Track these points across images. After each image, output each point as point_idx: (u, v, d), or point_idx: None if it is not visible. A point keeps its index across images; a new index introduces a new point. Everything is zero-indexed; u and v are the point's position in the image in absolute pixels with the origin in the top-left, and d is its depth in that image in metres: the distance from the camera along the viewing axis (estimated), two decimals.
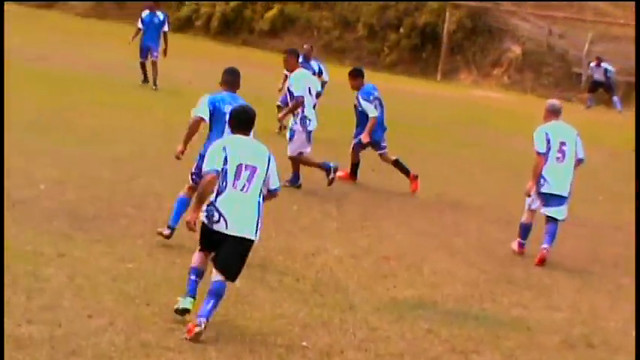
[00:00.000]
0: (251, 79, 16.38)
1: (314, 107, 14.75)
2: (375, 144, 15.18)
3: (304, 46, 20.68)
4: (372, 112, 14.94)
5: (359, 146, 15.19)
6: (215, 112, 10.51)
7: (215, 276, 7.85)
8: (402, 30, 38.03)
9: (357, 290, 9.44)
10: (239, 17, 41.20)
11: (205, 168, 7.93)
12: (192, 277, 8.06)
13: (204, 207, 7.85)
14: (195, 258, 8.15)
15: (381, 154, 15.30)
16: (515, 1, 38.62)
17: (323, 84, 18.58)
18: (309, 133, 14.32)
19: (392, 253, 11.11)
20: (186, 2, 42.72)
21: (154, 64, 23.45)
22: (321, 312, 8.60)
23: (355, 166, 15.37)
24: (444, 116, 26.54)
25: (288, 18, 40.49)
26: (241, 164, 7.87)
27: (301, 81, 14.40)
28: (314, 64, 19.49)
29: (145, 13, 24.14)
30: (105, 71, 25.43)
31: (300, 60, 16.40)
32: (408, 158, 15.48)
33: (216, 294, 7.76)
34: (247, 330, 7.89)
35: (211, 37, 40.75)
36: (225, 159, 7.84)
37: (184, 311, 7.88)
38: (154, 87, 23.28)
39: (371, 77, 16.56)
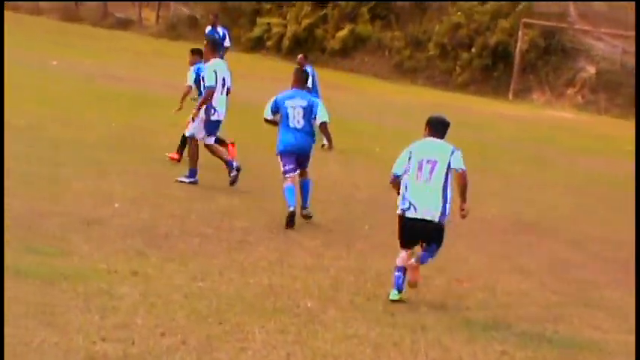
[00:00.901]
0: (325, 100, 16.49)
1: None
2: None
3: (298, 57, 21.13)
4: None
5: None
6: (277, 109, 12.79)
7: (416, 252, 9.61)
8: (473, 49, 37.85)
9: (429, 310, 9.38)
10: (310, 37, 41.38)
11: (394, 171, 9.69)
12: (398, 274, 9.50)
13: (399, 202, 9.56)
14: (401, 258, 9.54)
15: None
16: (588, 20, 38.30)
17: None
18: (212, 122, 14.37)
19: (464, 274, 11.03)
20: (258, 22, 43.04)
21: None
22: (392, 332, 8.56)
23: None
24: (516, 136, 26.36)
25: (359, 38, 40.54)
26: (422, 159, 9.50)
27: (214, 71, 14.33)
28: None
29: (208, 29, 24.77)
30: (177, 91, 25.62)
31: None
32: (480, 178, 15.39)
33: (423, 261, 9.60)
34: (319, 350, 7.88)
35: (282, 57, 40.97)
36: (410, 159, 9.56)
37: (399, 301, 9.39)
38: None
39: (442, 97, 16.53)
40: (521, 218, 14.95)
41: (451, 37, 38.45)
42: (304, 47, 41.51)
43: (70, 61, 29.19)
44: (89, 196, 12.48)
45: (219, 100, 14.45)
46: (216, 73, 14.38)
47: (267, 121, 13.09)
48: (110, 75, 27.06)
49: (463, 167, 9.64)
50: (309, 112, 12.91)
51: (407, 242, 9.66)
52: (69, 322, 7.62)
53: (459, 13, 38.40)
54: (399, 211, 9.59)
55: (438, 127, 9.81)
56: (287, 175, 12.81)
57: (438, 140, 9.72)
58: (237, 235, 11.52)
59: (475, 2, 38.63)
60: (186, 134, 14.63)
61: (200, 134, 14.46)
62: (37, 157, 14.68)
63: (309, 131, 13.00)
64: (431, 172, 9.47)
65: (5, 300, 7.87)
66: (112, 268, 9.32)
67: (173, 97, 24.52)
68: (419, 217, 9.48)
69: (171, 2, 49.42)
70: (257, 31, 42.79)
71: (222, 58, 24.30)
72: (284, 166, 12.85)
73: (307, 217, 12.79)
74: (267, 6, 43.26)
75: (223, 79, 14.53)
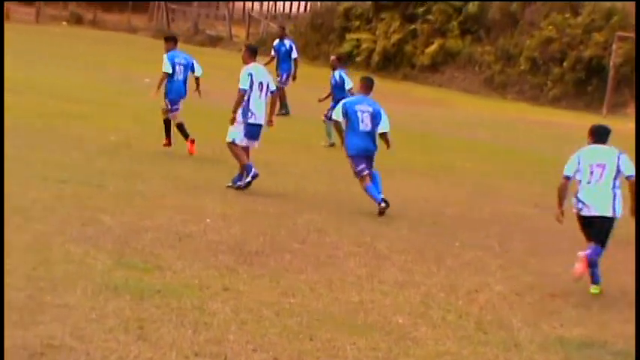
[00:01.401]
0: (415, 115, 16.43)
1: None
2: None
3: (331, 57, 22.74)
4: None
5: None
6: (347, 113, 14.00)
7: (591, 245, 10.68)
8: (565, 64, 37.34)
9: (522, 328, 9.24)
10: (400, 52, 41.28)
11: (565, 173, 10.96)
12: (593, 269, 10.63)
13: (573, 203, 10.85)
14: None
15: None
16: None
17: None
18: (250, 125, 14.57)
19: (558, 290, 10.85)
20: (347, 38, 43.12)
21: (281, 90, 24.20)
22: (484, 350, 8.45)
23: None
24: None
25: (449, 52, 40.30)
26: (592, 164, 10.74)
27: (249, 74, 14.63)
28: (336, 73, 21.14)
29: (276, 42, 25.26)
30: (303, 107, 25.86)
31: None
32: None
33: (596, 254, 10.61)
34: None
35: (372, 72, 40.95)
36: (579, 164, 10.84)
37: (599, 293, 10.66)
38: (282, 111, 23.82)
39: (533, 112, 16.36)
40: (619, 234, 14.65)
41: (542, 52, 37.95)
42: (393, 62, 41.56)
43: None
44: (180, 211, 12.58)
45: (256, 103, 14.70)
46: (251, 76, 14.65)
47: (336, 122, 14.65)
48: (209, 91, 27.27)
49: (632, 173, 10.83)
50: (375, 118, 14.06)
51: (588, 236, 10.95)
52: (162, 337, 7.68)
53: (550, 27, 37.93)
54: (574, 210, 10.93)
55: (601, 135, 11.09)
56: (362, 174, 13.99)
57: (604, 146, 10.97)
58: (326, 250, 11.51)
59: (567, 15, 38.13)
60: (227, 140, 14.80)
61: (238, 138, 14.68)
62: (130, 173, 14.86)
63: (374, 135, 14.18)
64: (601, 175, 10.75)
65: (99, 315, 7.97)
66: (204, 283, 9.37)
67: (297, 115, 24.74)
68: (593, 214, 10.78)
69: (262, 19, 49.83)
70: (346, 47, 42.81)
71: (291, 70, 24.89)
72: (357, 166, 14.02)
73: (385, 202, 13.80)
74: (357, 22, 43.31)
75: (260, 83, 14.74)
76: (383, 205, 13.70)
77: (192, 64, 17.98)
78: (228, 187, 14.50)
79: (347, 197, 14.80)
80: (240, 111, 14.61)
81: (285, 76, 25.16)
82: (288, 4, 56.22)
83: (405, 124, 26.61)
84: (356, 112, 14.06)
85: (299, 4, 55.20)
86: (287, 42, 25.65)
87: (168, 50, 17.78)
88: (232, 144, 14.73)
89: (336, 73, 21.20)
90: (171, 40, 18.27)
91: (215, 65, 32.39)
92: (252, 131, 14.73)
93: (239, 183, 14.50)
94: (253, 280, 9.80)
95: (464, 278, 10.85)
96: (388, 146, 14.49)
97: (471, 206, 14.21)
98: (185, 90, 17.85)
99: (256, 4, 58.82)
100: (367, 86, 14.49)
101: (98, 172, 14.63)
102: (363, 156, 14.05)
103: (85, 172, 14.51)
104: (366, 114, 14.06)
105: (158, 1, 58.67)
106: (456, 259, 11.86)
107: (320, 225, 12.83)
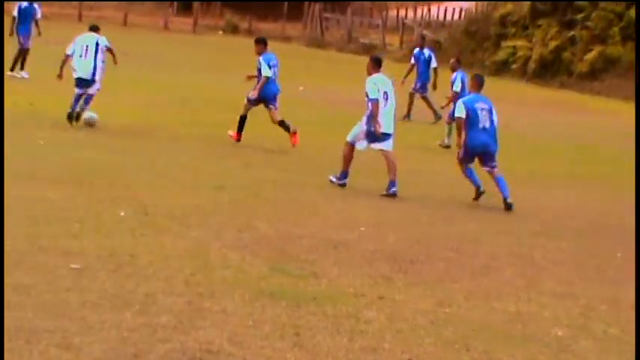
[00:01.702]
0: (575, 124, 16.09)
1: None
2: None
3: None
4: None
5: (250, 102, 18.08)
6: (470, 112, 14.58)
7: None
8: None
9: None
10: (557, 60, 40.59)
11: None
12: None
13: None
14: None
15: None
16: None
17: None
18: (370, 132, 14.78)
19: None
20: (503, 46, 42.65)
21: (424, 98, 25.27)
22: None
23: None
24: None
25: (609, 59, 39.39)
26: None
27: (374, 84, 14.92)
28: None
29: (415, 50, 25.66)
30: (425, 117, 25.75)
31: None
32: None
33: None
34: None
35: (528, 80, 40.39)
36: None
37: None
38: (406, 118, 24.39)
39: None
40: None
41: None
42: (550, 70, 40.89)
43: (315, 86, 29.78)
44: (335, 219, 12.61)
45: (383, 113, 14.79)
46: (377, 86, 14.83)
47: (459, 119, 14.94)
48: (354, 100, 27.36)
49: None
50: (491, 115, 14.82)
51: None
52: (318, 345, 7.68)
53: None
54: None
55: None
56: (467, 164, 14.87)
57: None
58: (481, 259, 11.33)
59: None
60: (347, 138, 15.00)
61: (360, 143, 14.94)
62: (285, 180, 14.99)
63: (493, 132, 14.84)
64: None
65: (256, 321, 8.02)
66: (359, 291, 9.34)
67: (417, 124, 24.73)
68: None
69: (415, 26, 49.73)
70: (501, 55, 42.39)
71: (427, 78, 24.98)
72: (464, 154, 14.78)
73: (510, 206, 14.38)
74: (513, 29, 42.80)
75: (385, 93, 14.84)
76: (482, 189, 14.68)
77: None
78: (331, 180, 14.93)
79: (499, 205, 14.57)
80: (365, 119, 14.84)
81: (419, 85, 25.31)
82: (442, 11, 55.99)
83: (564, 133, 26.20)
84: (476, 109, 14.71)
85: (453, 11, 54.92)
86: (426, 51, 25.88)
87: (259, 53, 18.44)
88: (350, 145, 14.99)
89: (457, 75, 21.84)
90: (262, 42, 18.80)
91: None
92: (375, 138, 14.89)
93: (339, 182, 14.95)
94: (408, 288, 9.72)
95: (627, 291, 10.51)
96: None
97: (632, 217, 13.80)
98: (278, 87, 18.70)
99: (410, 12, 58.81)
100: (479, 84, 15.27)
101: (254, 179, 14.81)
102: (481, 152, 14.79)
103: (241, 179, 14.70)
104: (485, 112, 14.78)
105: (312, 10, 59.17)
106: (618, 270, 11.51)
107: (474, 234, 12.66)
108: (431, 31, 49.93)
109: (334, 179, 14.90)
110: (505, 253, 11.72)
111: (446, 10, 56.62)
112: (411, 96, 25.19)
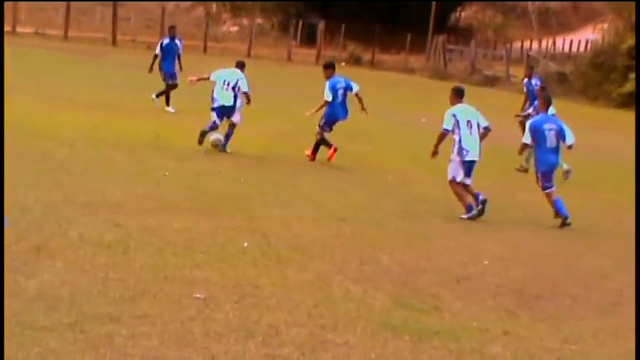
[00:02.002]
0: None
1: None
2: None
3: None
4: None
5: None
6: (535, 133, 15.27)
7: None
8: None
9: None
10: None
11: None
12: None
13: None
14: None
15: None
16: None
17: None
18: (467, 162, 15.17)
19: None
20: (630, 78, 41.88)
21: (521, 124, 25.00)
22: None
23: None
24: None
25: None
26: None
27: (453, 115, 15.34)
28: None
29: (525, 80, 26.09)
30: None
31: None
32: None
33: None
34: None
35: None
36: None
37: None
38: None
39: None
40: None
41: None
42: None
43: (438, 118, 29.60)
44: (459, 253, 12.48)
45: (469, 141, 15.14)
46: (455, 116, 15.25)
47: (525, 145, 15.69)
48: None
49: None
50: (560, 134, 15.38)
51: None
52: None
53: None
54: None
55: None
56: (549, 191, 15.34)
57: None
58: (609, 296, 11.07)
59: None
60: (448, 178, 15.35)
61: (458, 176, 15.15)
62: (408, 213, 14.91)
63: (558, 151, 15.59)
64: None
65: (379, 355, 7.96)
66: (483, 326, 9.20)
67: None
68: None
69: (541, 58, 49.19)
70: (629, 87, 41.63)
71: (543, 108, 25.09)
72: (545, 182, 15.34)
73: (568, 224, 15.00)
74: None
75: (468, 122, 15.24)
76: (568, 221, 14.96)
77: (350, 84, 19.60)
78: (462, 218, 14.96)
79: (626, 239, 14.21)
80: (455, 150, 15.17)
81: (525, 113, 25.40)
82: (567, 42, 55.32)
83: None
84: (544, 130, 15.35)
85: (579, 43, 54.19)
86: (534, 80, 25.75)
87: (328, 77, 19.35)
88: (453, 182, 15.24)
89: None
90: (330, 67, 19.73)
91: (492, 106, 32.22)
92: (469, 168, 15.22)
93: (468, 215, 15.01)
94: (534, 324, 9.53)
95: None
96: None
97: None
98: (345, 111, 19.48)
99: (534, 43, 58.25)
100: (547, 103, 16.03)
101: (376, 211, 14.77)
102: (552, 172, 15.52)
103: (363, 211, 14.68)
104: (553, 132, 15.37)
105: (435, 42, 59.07)
106: None
107: (601, 269, 12.39)
108: (556, 63, 49.36)
109: (464, 216, 14.93)
110: (633, 289, 11.41)
111: (571, 42, 55.95)
112: (522, 124, 25.18)
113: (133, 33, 60.69)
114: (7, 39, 48.60)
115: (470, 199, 15.06)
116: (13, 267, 9.11)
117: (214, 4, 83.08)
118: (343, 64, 56.29)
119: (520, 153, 16.68)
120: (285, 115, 25.78)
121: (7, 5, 58.07)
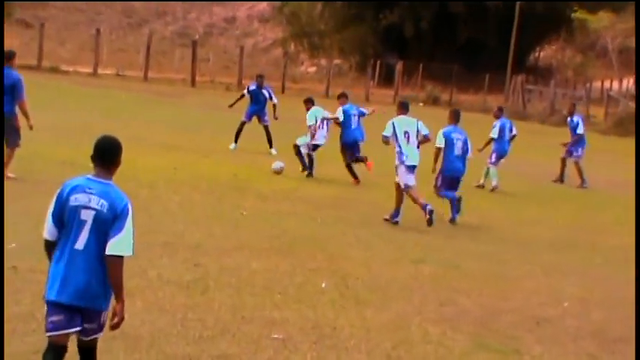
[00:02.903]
0: None
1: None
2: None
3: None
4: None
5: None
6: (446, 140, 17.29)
7: None
8: None
9: None
10: None
11: None
12: None
13: None
14: None
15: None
16: None
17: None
18: (408, 167, 16.66)
19: None
20: None
21: (576, 164, 25.94)
22: None
23: None
24: None
25: None
26: None
27: (391, 124, 16.89)
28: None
29: (568, 118, 27.04)
30: (622, 188, 25.12)
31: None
32: None
33: None
34: None
35: None
36: None
37: None
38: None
39: None
40: None
41: None
42: None
43: (516, 158, 29.40)
44: (538, 294, 12.33)
45: (407, 148, 16.64)
46: (393, 125, 16.76)
47: (438, 150, 17.72)
48: (553, 173, 26.95)
49: None
50: (465, 145, 17.71)
51: None
52: None
53: None
54: None
55: None
56: (441, 194, 17.76)
57: None
58: None
59: None
60: (402, 187, 16.65)
61: (409, 180, 16.61)
62: (487, 254, 14.79)
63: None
64: None
65: None
66: None
67: (619, 196, 24.08)
68: None
69: (621, 98, 48.64)
70: None
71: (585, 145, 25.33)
72: (442, 188, 17.63)
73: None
74: None
75: (406, 132, 16.70)
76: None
77: (363, 111, 22.19)
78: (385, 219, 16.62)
79: None
80: (397, 156, 16.93)
81: (574, 149, 26.31)
82: None
83: None
84: (453, 139, 17.44)
85: None
86: (576, 118, 26.72)
87: (342, 104, 21.85)
88: (407, 188, 16.64)
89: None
90: (343, 96, 22.26)
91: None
92: (412, 170, 16.76)
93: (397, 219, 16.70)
94: None
95: None
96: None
97: None
98: (362, 134, 21.92)
99: (615, 83, 57.67)
100: (456, 117, 17.93)
101: (455, 251, 14.68)
102: (456, 177, 17.57)
103: (441, 251, 14.59)
104: (459, 141, 17.53)
105: (514, 82, 58.83)
106: None
107: None
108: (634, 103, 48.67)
109: (397, 219, 16.60)
110: None
111: None
112: (576, 164, 25.70)
113: (212, 74, 61.46)
114: (88, 81, 49.67)
115: (416, 204, 16.50)
116: None
117: (292, 45, 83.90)
118: (421, 104, 56.27)
119: (434, 161, 17.64)
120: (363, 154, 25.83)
121: (89, 46, 59.29)
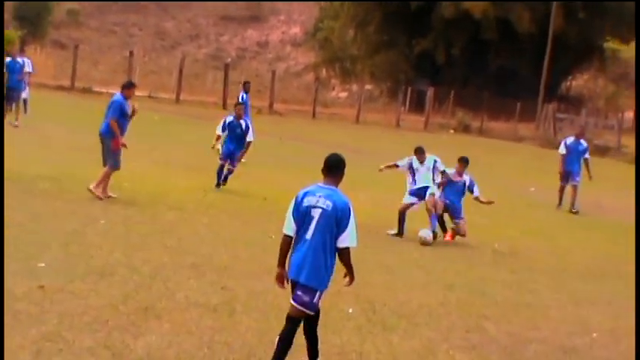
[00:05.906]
0: None
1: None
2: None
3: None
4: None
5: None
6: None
7: None
8: None
9: None
10: None
11: None
12: None
13: None
14: None
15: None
16: None
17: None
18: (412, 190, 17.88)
19: None
20: None
21: (574, 188, 25.59)
22: None
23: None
24: None
25: None
26: None
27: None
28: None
29: (565, 140, 27.02)
30: None
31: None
32: None
33: None
34: None
35: None
36: None
37: None
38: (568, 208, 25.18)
39: None
40: None
41: None
42: None
43: (547, 187, 29.30)
44: (566, 324, 12.26)
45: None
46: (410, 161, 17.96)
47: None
48: (593, 203, 26.84)
49: None
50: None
51: None
52: None
53: None
54: None
55: None
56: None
57: None
58: None
59: None
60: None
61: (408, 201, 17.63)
62: (515, 282, 14.72)
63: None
64: None
65: None
66: None
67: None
68: None
69: None
70: None
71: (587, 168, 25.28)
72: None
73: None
74: None
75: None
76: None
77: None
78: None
79: None
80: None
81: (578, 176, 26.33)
82: None
83: None
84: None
85: None
86: (582, 142, 26.63)
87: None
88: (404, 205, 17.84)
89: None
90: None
91: (603, 176, 31.82)
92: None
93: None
94: None
95: None
96: None
97: None
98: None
99: None
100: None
101: (482, 279, 14.62)
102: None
103: (469, 278, 14.54)
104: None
105: (546, 110, 58.65)
106: None
107: None
108: None
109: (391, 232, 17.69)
110: None
111: None
112: (574, 188, 25.80)
113: None
114: None
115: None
116: (120, 327, 9.25)
117: (324, 70, 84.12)
118: (452, 131, 56.23)
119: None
120: (391, 182, 25.79)
121: (122, 68, 59.64)
